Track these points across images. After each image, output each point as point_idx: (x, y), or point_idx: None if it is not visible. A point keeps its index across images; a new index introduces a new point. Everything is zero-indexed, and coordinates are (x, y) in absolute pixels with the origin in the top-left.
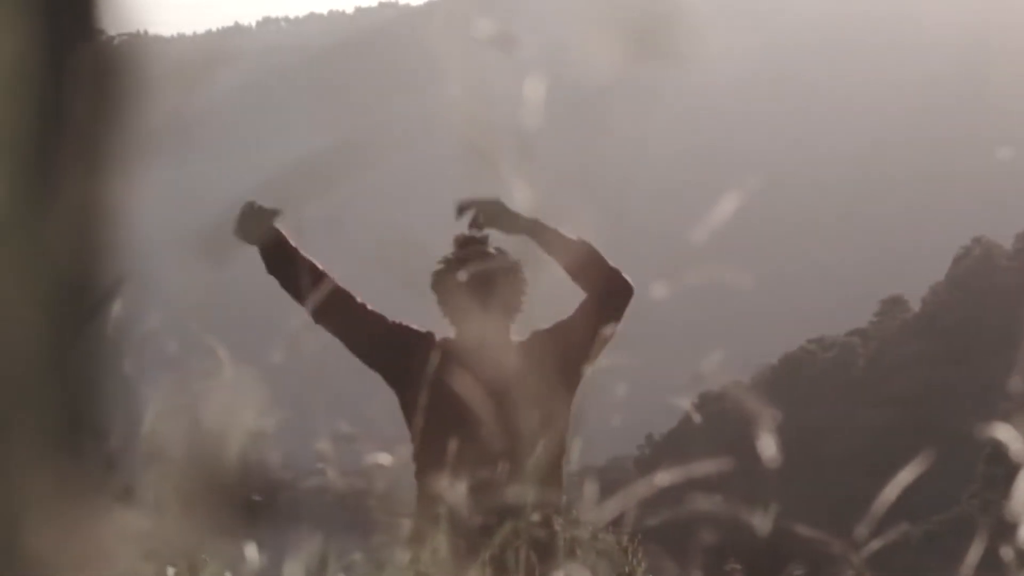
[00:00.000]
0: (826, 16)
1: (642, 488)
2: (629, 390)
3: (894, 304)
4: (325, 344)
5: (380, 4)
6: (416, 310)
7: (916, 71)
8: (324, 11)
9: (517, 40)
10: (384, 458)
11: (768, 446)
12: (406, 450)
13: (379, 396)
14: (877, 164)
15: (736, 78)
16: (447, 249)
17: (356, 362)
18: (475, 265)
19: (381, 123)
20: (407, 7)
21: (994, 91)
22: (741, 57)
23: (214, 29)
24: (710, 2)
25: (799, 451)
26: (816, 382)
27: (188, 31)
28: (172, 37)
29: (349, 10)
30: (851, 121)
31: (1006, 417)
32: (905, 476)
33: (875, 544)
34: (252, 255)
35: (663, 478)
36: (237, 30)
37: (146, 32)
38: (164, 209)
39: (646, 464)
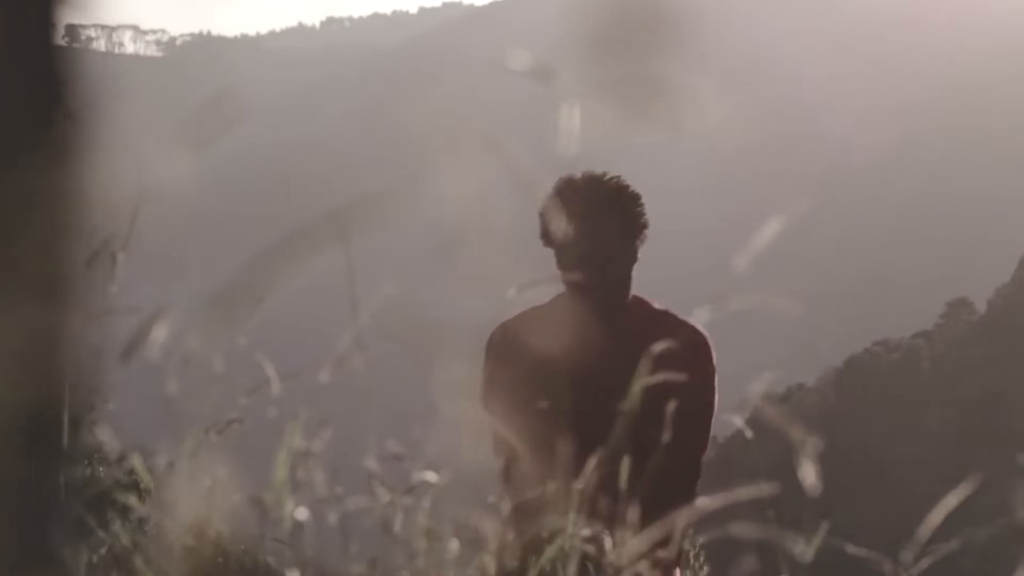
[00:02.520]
0: (884, 12)
1: (687, 513)
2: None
3: (959, 306)
4: (373, 363)
5: (444, 4)
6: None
7: (982, 71)
8: (388, 11)
9: (554, 72)
10: (431, 476)
11: (809, 474)
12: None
13: (428, 415)
14: (941, 166)
15: (800, 86)
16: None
17: (405, 381)
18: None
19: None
20: (471, 7)
21: None
22: (798, 63)
23: (277, 30)
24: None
25: (865, 453)
26: (881, 384)
27: (251, 32)
28: (235, 38)
29: (413, 10)
30: (916, 121)
31: None
32: (951, 500)
33: (926, 561)
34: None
35: (706, 503)
36: (301, 30)
37: (209, 33)
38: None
39: (710, 467)
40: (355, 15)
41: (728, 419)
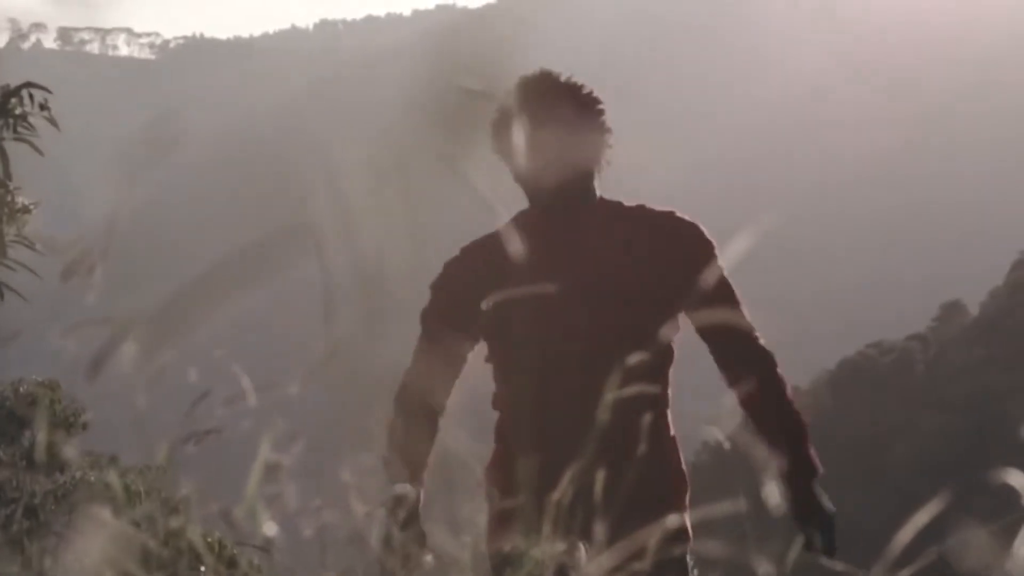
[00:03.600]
0: (863, 21)
1: (656, 529)
2: (687, 399)
3: (953, 309)
4: (348, 376)
5: (437, 7)
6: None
7: (971, 70)
8: (381, 13)
9: (499, 93)
10: (405, 489)
11: (773, 495)
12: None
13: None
14: (934, 168)
15: (801, 83)
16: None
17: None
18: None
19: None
20: (464, 9)
21: None
22: (801, 62)
23: (271, 32)
24: (744, 18)
25: (858, 455)
26: (875, 387)
27: (245, 34)
28: (229, 40)
29: (407, 12)
30: (909, 126)
31: None
32: (922, 517)
33: (906, 571)
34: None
35: (674, 520)
36: (294, 32)
37: (202, 35)
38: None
39: (703, 469)
40: (348, 17)
41: (708, 428)
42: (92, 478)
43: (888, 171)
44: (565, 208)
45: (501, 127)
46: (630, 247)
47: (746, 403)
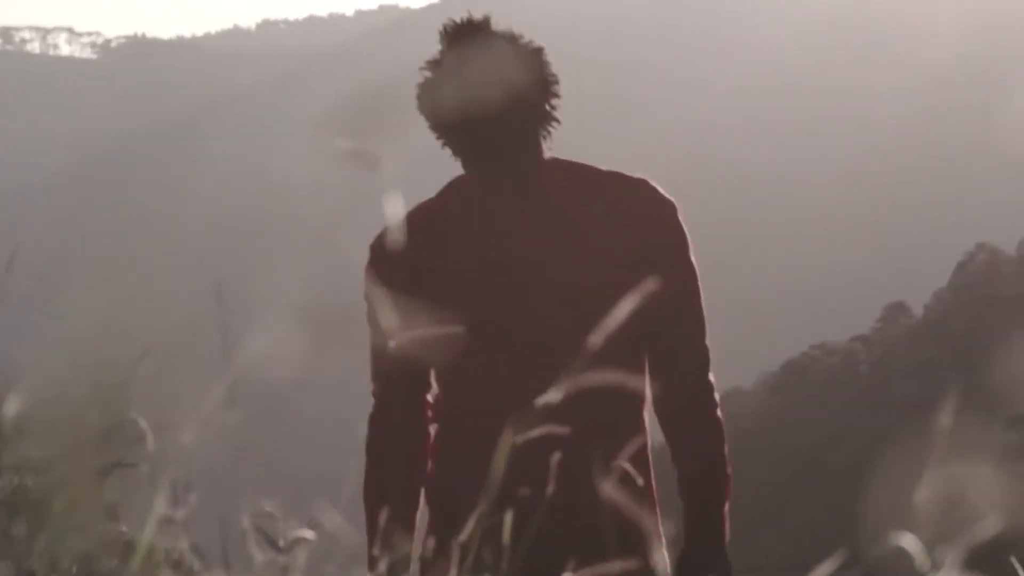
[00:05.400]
0: (823, 20)
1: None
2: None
3: (897, 310)
4: (247, 421)
5: (380, 7)
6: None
7: (917, 74)
8: (324, 14)
9: (380, 159)
10: (308, 534)
11: (661, 562)
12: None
13: (303, 473)
14: (879, 169)
15: (732, 87)
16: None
17: (280, 438)
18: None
19: None
20: (407, 10)
21: (997, 94)
22: (735, 66)
23: (213, 32)
24: (706, 9)
25: (802, 456)
26: (819, 388)
27: (187, 34)
28: (171, 40)
29: (349, 13)
30: (852, 126)
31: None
32: (825, 568)
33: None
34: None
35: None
36: (236, 32)
37: (144, 35)
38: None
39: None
40: (291, 17)
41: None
42: (29, 483)
43: (834, 172)
44: (508, 163)
45: (429, 74)
46: (593, 216)
47: (678, 451)
